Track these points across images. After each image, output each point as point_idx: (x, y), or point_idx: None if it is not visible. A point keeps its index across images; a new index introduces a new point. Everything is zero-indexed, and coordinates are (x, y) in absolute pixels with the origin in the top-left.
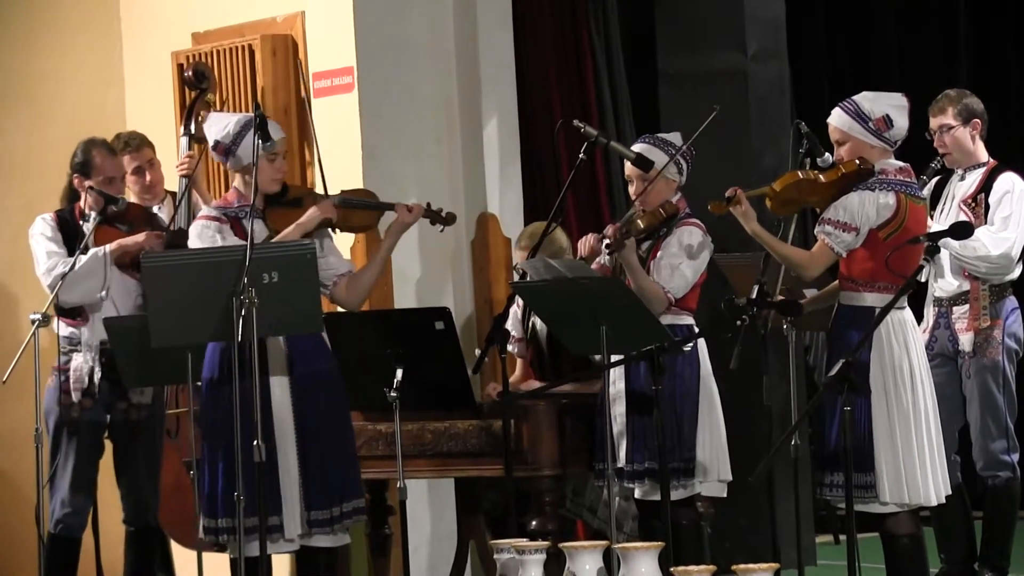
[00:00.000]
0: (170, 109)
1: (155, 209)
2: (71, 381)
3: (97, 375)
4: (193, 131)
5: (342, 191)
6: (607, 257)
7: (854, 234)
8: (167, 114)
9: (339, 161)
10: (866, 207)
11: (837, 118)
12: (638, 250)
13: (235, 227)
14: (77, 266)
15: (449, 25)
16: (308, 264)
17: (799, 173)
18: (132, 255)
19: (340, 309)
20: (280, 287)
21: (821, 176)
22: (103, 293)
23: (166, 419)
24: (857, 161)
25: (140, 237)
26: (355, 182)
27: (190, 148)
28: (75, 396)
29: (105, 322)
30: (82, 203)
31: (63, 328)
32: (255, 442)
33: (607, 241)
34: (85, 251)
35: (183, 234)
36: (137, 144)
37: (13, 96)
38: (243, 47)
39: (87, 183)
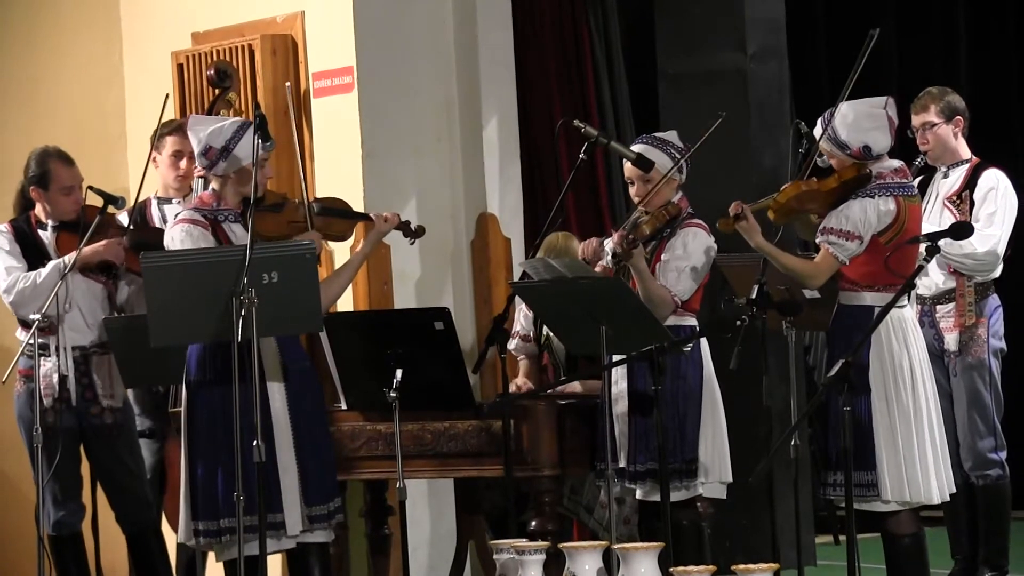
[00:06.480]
0: (170, 109)
1: (174, 203)
2: (42, 387)
3: (71, 381)
4: None
5: (315, 199)
6: (609, 259)
7: (858, 242)
8: (167, 114)
9: (339, 161)
10: (868, 215)
11: (820, 136)
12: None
13: (216, 230)
14: (39, 280)
15: (449, 25)
16: (308, 264)
17: (801, 184)
18: (95, 262)
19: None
20: (280, 287)
21: (820, 184)
22: (67, 305)
23: (171, 418)
24: (855, 167)
25: (101, 245)
26: (355, 182)
27: None
28: (47, 402)
29: (104, 322)
30: (38, 211)
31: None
32: (255, 443)
33: (616, 250)
34: (44, 263)
35: (155, 232)
36: (185, 131)
37: (13, 96)
38: (243, 47)
39: (48, 193)
